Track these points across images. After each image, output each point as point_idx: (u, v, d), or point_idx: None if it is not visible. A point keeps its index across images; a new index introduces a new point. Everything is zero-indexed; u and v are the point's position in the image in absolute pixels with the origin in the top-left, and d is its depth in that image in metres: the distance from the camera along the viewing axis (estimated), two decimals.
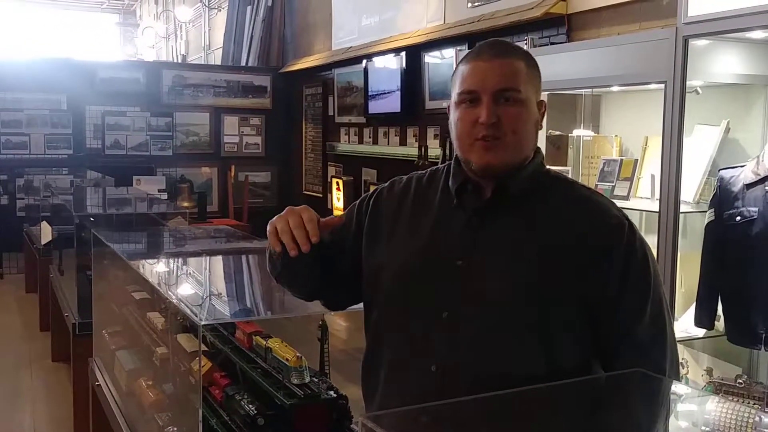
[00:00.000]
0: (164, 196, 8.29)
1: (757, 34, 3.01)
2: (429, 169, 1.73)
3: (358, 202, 1.78)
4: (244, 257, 3.81)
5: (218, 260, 3.73)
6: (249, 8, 10.64)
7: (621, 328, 1.50)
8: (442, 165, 1.69)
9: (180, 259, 3.47)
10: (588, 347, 1.51)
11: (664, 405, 1.54)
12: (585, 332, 1.50)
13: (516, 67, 1.53)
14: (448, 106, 1.60)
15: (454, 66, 1.61)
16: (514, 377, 1.42)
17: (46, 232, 6.66)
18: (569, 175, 3.67)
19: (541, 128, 1.60)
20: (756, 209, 2.96)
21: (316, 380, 2.19)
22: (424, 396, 1.45)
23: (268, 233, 1.59)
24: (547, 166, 1.64)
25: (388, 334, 1.62)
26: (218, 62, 12.16)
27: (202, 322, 2.11)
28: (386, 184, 1.75)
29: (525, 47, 3.93)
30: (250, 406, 2.13)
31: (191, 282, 3.02)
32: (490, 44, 1.59)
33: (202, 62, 13.68)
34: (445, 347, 1.50)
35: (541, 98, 1.59)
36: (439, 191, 1.63)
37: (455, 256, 1.53)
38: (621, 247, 1.50)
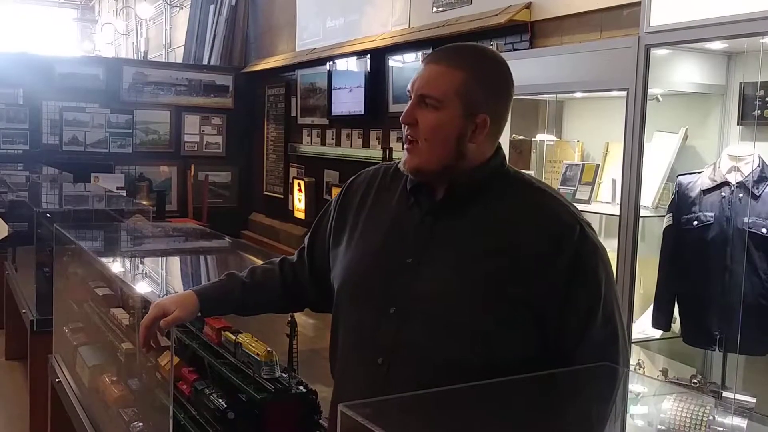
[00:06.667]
0: (123, 193, 8.18)
1: (716, 45, 3.12)
2: (397, 163, 1.72)
3: (333, 198, 1.82)
4: (212, 256, 3.81)
5: (186, 258, 3.71)
6: (212, 7, 10.58)
7: (574, 330, 1.51)
8: None
9: (147, 257, 3.45)
10: (531, 345, 1.51)
11: (626, 398, 1.61)
12: (527, 330, 1.50)
13: (447, 75, 1.52)
14: None
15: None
16: (452, 370, 1.47)
17: (0, 228, 6.52)
18: None
19: (475, 143, 1.53)
20: (712, 214, 3.07)
21: (285, 375, 2.20)
22: (372, 388, 1.50)
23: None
24: (510, 166, 1.65)
25: (342, 327, 1.69)
26: (179, 60, 12.05)
27: None
28: (356, 175, 1.80)
29: None
30: (220, 400, 2.14)
31: (160, 278, 3.01)
32: (442, 48, 1.61)
33: (163, 60, 13.55)
34: (390, 341, 1.55)
35: (485, 113, 1.53)
36: (399, 189, 1.67)
37: (406, 254, 1.57)
38: (568, 253, 1.49)
